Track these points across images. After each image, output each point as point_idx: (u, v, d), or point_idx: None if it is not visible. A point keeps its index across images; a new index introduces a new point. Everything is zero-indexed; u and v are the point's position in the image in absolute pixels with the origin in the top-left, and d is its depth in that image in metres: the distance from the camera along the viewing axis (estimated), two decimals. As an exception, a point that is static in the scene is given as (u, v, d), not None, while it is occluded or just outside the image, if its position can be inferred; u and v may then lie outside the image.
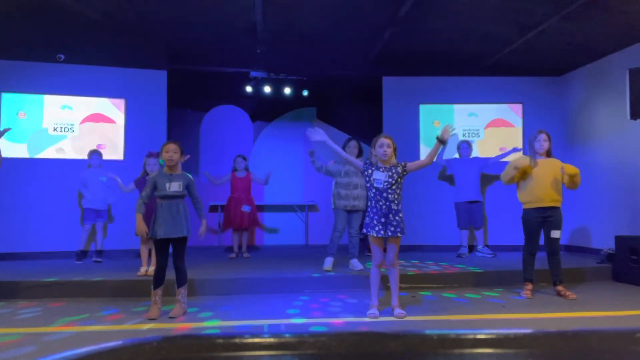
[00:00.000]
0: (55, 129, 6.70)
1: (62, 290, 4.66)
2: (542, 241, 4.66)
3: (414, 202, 7.06)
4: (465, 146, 6.90)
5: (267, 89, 8.29)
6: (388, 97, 7.59)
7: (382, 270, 4.03)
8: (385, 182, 3.78)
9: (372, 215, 3.85)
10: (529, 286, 4.63)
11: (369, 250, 4.02)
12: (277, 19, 5.87)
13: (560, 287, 4.62)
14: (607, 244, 5.94)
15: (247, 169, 7.00)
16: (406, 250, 6.81)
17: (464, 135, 7.53)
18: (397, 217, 3.81)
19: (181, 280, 4.00)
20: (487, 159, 6.99)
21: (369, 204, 3.92)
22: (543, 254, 4.67)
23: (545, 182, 4.50)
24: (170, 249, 4.00)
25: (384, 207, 3.80)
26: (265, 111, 9.01)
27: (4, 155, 6.28)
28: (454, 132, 3.73)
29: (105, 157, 6.59)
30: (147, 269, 5.12)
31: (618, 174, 6.29)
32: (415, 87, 7.58)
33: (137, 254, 5.91)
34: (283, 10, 5.60)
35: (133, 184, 5.45)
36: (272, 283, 4.93)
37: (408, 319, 3.80)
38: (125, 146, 6.88)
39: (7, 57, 6.50)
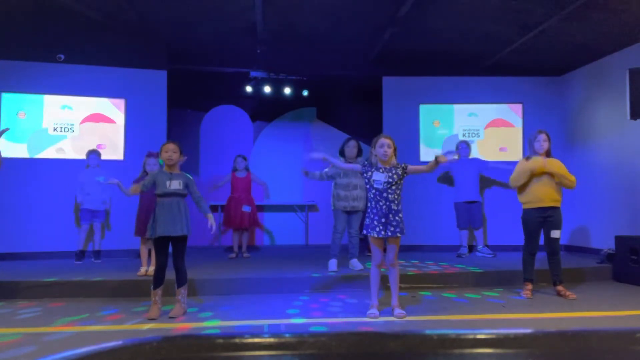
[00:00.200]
0: (55, 129, 6.70)
1: (62, 290, 4.66)
2: (542, 241, 4.66)
3: (414, 203, 7.06)
4: (464, 146, 6.89)
5: (267, 89, 8.29)
6: (388, 97, 7.59)
7: (382, 270, 4.03)
8: (385, 182, 3.79)
9: (372, 215, 3.85)
10: (529, 286, 4.63)
11: (369, 250, 4.02)
12: (277, 19, 5.87)
13: (560, 287, 4.62)
14: (607, 244, 5.94)
15: (247, 169, 7.00)
16: (406, 250, 6.81)
17: (464, 135, 7.52)
18: (397, 217, 3.81)
19: (181, 280, 4.01)
20: (486, 163, 6.96)
21: (369, 204, 3.92)
22: (543, 254, 4.68)
23: (545, 182, 4.50)
24: (170, 249, 4.00)
25: (384, 207, 3.80)
26: (265, 111, 9.01)
27: (3, 155, 6.29)
28: (455, 157, 3.75)
29: (105, 157, 6.59)
30: (147, 269, 5.12)
31: (618, 174, 6.29)
32: (415, 87, 7.58)
33: (137, 254, 5.91)
34: (283, 10, 5.60)
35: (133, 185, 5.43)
36: (272, 283, 4.93)
37: (408, 319, 3.80)
38: (125, 146, 6.88)
39: (7, 57, 6.50)
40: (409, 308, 4.11)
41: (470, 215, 6.75)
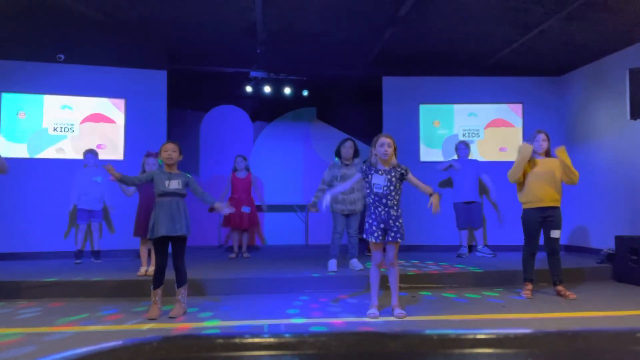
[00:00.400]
0: (55, 129, 6.70)
1: (62, 290, 4.66)
2: (542, 241, 4.66)
3: (414, 203, 7.04)
4: (463, 147, 6.88)
5: (267, 89, 8.29)
6: (388, 97, 7.59)
7: (382, 270, 4.03)
8: (384, 186, 3.78)
9: (371, 221, 3.85)
10: (529, 286, 4.63)
11: (369, 251, 4.02)
12: (277, 19, 5.87)
13: (560, 287, 4.62)
14: (607, 244, 5.94)
15: (247, 169, 7.00)
16: (406, 250, 6.82)
17: (464, 135, 7.53)
18: (397, 223, 3.81)
19: (181, 280, 4.01)
20: (485, 166, 6.93)
21: (368, 209, 3.92)
22: (543, 254, 4.68)
23: (545, 181, 4.50)
24: (170, 249, 4.01)
25: (382, 213, 3.81)
26: (265, 111, 9.01)
27: (4, 155, 6.29)
28: (437, 211, 3.81)
29: (105, 157, 6.59)
30: (147, 269, 5.12)
31: (618, 174, 6.29)
32: (415, 87, 7.58)
33: (137, 254, 5.91)
34: (283, 10, 5.60)
35: (133, 187, 5.43)
36: (272, 283, 4.93)
37: (408, 319, 3.80)
38: (125, 146, 6.89)
39: (7, 57, 6.50)
40: (409, 308, 4.11)
41: (469, 215, 6.75)
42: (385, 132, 6.96)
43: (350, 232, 5.48)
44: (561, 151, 4.47)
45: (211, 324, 3.74)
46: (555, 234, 4.54)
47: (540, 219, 4.54)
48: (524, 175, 4.60)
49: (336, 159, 5.57)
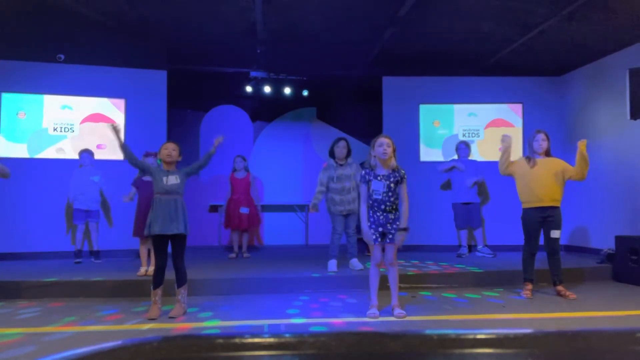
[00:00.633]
0: (55, 129, 6.70)
1: (62, 290, 4.66)
2: (542, 241, 4.66)
3: (414, 203, 7.03)
4: (463, 147, 6.88)
5: (267, 89, 8.29)
6: (388, 97, 7.59)
7: (381, 270, 4.03)
8: (383, 192, 3.79)
9: (369, 224, 3.86)
10: (529, 286, 4.63)
11: (369, 251, 4.02)
12: (277, 19, 5.87)
13: (560, 287, 4.61)
14: (607, 244, 5.93)
15: (246, 169, 6.99)
16: (406, 250, 6.82)
17: (464, 135, 7.53)
18: (394, 226, 3.83)
19: (181, 280, 4.01)
20: (484, 167, 6.91)
21: (367, 212, 3.91)
22: (543, 254, 4.67)
23: (545, 181, 4.50)
24: (170, 249, 4.01)
25: (381, 217, 3.83)
26: (265, 111, 9.01)
27: (4, 155, 6.30)
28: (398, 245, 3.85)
29: (105, 157, 6.59)
30: (147, 269, 5.13)
31: (618, 174, 6.29)
32: (415, 87, 7.58)
33: (137, 254, 5.91)
34: (283, 10, 5.60)
35: (133, 188, 5.43)
36: (272, 283, 4.93)
37: (408, 319, 3.80)
38: (125, 146, 6.87)
39: (7, 57, 6.50)
40: (409, 308, 4.11)
41: (468, 215, 6.75)
42: (385, 132, 6.98)
43: (348, 232, 5.49)
44: (584, 143, 4.46)
45: (211, 324, 3.74)
46: (555, 234, 4.54)
47: (540, 219, 4.54)
48: (524, 175, 4.60)
49: (330, 159, 5.56)
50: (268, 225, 8.86)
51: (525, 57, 6.86)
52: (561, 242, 4.80)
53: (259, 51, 6.98)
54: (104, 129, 6.86)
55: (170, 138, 6.66)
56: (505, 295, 4.71)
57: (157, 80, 6.95)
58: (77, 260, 6.10)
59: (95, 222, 6.32)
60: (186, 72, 7.66)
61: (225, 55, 7.35)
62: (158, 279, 3.93)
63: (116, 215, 6.66)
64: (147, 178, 5.02)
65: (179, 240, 3.98)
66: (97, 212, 6.32)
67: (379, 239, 3.84)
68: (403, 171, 3.87)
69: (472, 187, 6.72)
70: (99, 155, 6.57)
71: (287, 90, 8.34)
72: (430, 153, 7.51)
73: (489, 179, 7.07)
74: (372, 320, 3.79)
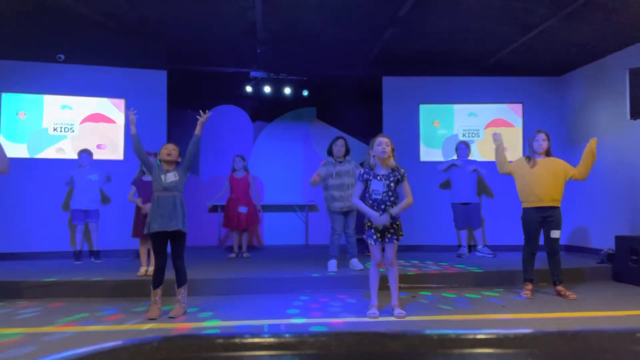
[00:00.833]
0: (55, 129, 6.70)
1: (62, 290, 4.66)
2: (542, 241, 4.66)
3: (414, 203, 7.05)
4: (463, 147, 6.87)
5: (267, 89, 8.29)
6: (388, 97, 7.59)
7: (381, 270, 4.03)
8: (383, 192, 3.79)
9: (369, 224, 3.86)
10: (529, 286, 4.63)
11: (369, 251, 4.02)
12: (277, 19, 5.87)
13: (560, 287, 4.62)
14: (607, 244, 5.94)
15: (246, 169, 6.99)
16: (406, 250, 6.82)
17: (464, 135, 7.52)
18: (394, 225, 3.83)
19: (181, 280, 4.01)
20: (483, 167, 6.90)
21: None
22: (543, 254, 4.67)
23: (545, 181, 4.50)
24: (170, 249, 4.01)
25: None
26: (265, 111, 9.00)
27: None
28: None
29: (105, 157, 6.59)
30: (147, 269, 5.13)
31: (618, 174, 6.28)
32: (415, 87, 7.58)
33: (137, 254, 5.91)
34: (283, 10, 5.59)
35: (133, 187, 5.43)
36: (272, 283, 4.93)
37: (408, 319, 3.80)
38: (126, 146, 6.88)
39: (7, 57, 6.50)
40: (409, 308, 4.11)
41: (467, 215, 6.75)
42: (385, 132, 6.99)
43: (348, 232, 5.48)
44: (595, 141, 4.47)
45: (211, 324, 3.74)
46: (555, 234, 4.54)
47: (540, 219, 4.54)
48: (524, 175, 4.60)
49: (328, 157, 5.59)
50: (268, 225, 8.86)
51: (525, 57, 6.85)
52: (561, 242, 4.80)
53: (259, 51, 6.98)
54: (104, 129, 6.89)
55: (170, 138, 6.68)
56: (505, 295, 4.72)
57: (157, 80, 6.95)
58: (77, 261, 6.09)
59: (94, 222, 6.31)
60: (186, 72, 7.66)
61: (225, 55, 7.35)
62: (158, 279, 3.93)
63: (116, 215, 6.66)
64: (146, 178, 5.03)
65: (178, 239, 3.98)
66: (96, 212, 6.31)
67: (379, 239, 3.84)
68: (403, 170, 3.87)
69: (473, 172, 6.71)
70: (99, 155, 6.57)
71: (287, 90, 8.34)
72: (430, 153, 7.51)
73: (489, 179, 7.08)
74: (372, 320, 3.79)
